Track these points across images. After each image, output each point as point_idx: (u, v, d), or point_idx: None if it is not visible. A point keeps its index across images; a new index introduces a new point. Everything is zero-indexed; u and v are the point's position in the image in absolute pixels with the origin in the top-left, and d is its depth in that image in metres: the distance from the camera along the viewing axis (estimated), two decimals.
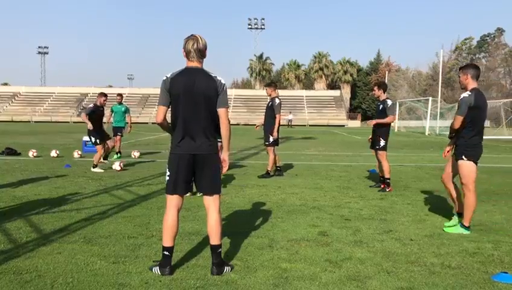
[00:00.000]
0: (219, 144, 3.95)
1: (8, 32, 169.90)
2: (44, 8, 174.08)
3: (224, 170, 4.03)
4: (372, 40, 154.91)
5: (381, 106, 8.22)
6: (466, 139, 5.23)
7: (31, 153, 13.17)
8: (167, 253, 3.83)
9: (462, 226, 5.25)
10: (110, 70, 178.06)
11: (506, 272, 3.83)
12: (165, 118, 3.82)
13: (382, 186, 8.28)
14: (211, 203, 3.93)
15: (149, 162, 12.40)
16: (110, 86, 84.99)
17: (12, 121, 61.21)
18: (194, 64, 3.80)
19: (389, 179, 8.17)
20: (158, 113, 3.81)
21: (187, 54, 3.80)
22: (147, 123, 56.26)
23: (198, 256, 4.27)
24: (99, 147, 10.37)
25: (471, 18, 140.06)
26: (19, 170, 10.24)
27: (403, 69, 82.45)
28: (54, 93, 73.43)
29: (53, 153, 13.20)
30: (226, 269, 3.88)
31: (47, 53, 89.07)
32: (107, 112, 12.13)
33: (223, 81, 3.85)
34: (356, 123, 69.33)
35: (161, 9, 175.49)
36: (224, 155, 3.97)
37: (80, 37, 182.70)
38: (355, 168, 11.55)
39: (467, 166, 5.23)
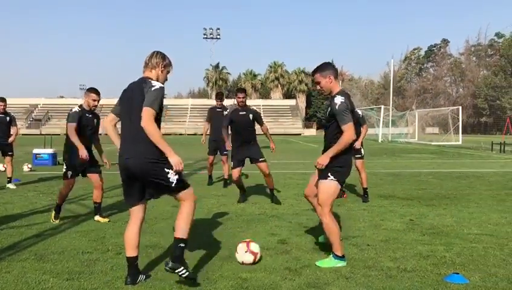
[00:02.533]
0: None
1: None
2: None
3: None
4: (326, 49, 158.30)
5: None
6: (337, 156, 4.33)
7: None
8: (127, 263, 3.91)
9: (335, 256, 4.33)
10: (61, 81, 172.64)
11: (458, 273, 3.98)
12: (110, 126, 4.17)
13: (344, 196, 8.27)
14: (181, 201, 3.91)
15: (103, 174, 12.03)
16: (62, 97, 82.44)
17: None
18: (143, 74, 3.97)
19: (366, 188, 8.14)
20: (105, 121, 4.20)
21: (146, 65, 3.99)
22: (100, 134, 54.80)
23: (156, 269, 4.18)
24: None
25: (419, 29, 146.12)
26: None
27: (356, 78, 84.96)
28: None
29: (0, 167, 12.60)
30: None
31: None
32: (60, 122, 11.53)
33: (153, 83, 3.75)
34: (312, 132, 70.45)
35: (113, 18, 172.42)
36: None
37: (27, 46, 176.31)
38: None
39: (330, 186, 4.37)
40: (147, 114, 3.58)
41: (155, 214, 6.72)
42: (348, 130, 4.22)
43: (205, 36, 78.30)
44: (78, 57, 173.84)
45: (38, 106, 71.34)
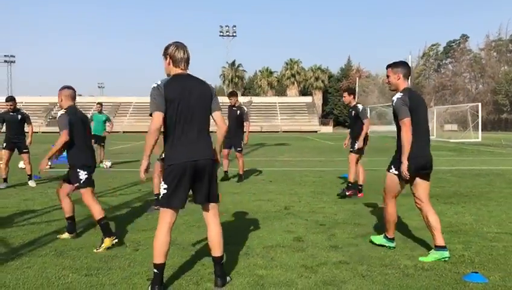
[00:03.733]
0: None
1: None
2: (10, 16, 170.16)
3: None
4: (343, 46, 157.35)
5: (353, 112, 8.29)
6: (399, 150, 4.53)
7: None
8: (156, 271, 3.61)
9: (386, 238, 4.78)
10: (80, 79, 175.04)
11: (477, 272, 3.93)
12: (161, 126, 3.57)
13: (358, 193, 8.25)
14: (212, 214, 3.82)
15: (121, 172, 12.20)
16: (80, 95, 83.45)
17: None
18: (183, 71, 3.72)
19: (351, 183, 8.13)
20: (154, 120, 3.52)
21: (175, 62, 3.69)
22: (119, 132, 55.42)
23: (173, 266, 4.22)
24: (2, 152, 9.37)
25: (437, 24, 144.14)
26: None
27: (373, 75, 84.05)
28: (22, 102, 71.50)
29: (21, 164, 12.82)
30: (228, 279, 3.81)
31: (13, 62, 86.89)
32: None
33: (212, 86, 3.85)
34: (328, 129, 70.10)
35: (131, 17, 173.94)
36: (216, 158, 3.87)
37: (47, 45, 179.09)
38: (329, 174, 11.66)
39: (392, 178, 4.62)
40: (222, 117, 3.81)
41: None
42: (403, 126, 4.35)
43: (221, 34, 78.42)
44: (96, 55, 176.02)
45: (57, 104, 72.37)
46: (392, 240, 4.79)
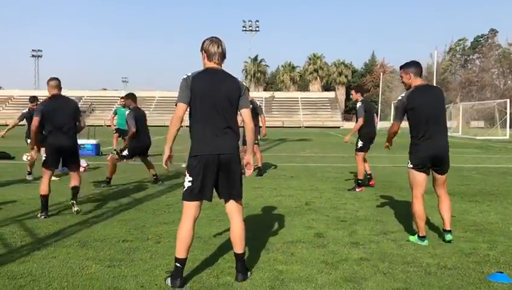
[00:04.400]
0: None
1: (0, 35, 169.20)
2: (38, 11, 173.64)
3: (249, 172, 3.98)
4: (367, 41, 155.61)
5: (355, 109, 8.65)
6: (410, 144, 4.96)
7: (25, 157, 13.06)
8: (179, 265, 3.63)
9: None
10: (104, 74, 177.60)
11: (502, 272, 3.84)
12: (183, 117, 3.60)
13: (372, 183, 8.66)
14: (235, 210, 3.83)
15: (143, 165, 12.33)
16: (105, 89, 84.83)
17: (6, 125, 60.83)
18: (216, 66, 3.74)
19: (361, 180, 8.34)
20: (177, 110, 3.57)
21: (209, 56, 3.71)
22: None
23: (194, 259, 4.25)
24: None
25: (465, 19, 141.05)
26: (13, 173, 10.18)
27: (398, 71, 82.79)
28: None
29: (25, 157, 13.10)
30: (249, 274, 3.82)
31: (41, 56, 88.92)
32: (102, 114, 11.94)
33: (244, 83, 3.86)
34: (351, 125, 69.23)
35: (155, 12, 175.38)
36: (248, 157, 3.89)
37: (73, 40, 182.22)
38: (351, 170, 11.56)
39: (410, 173, 4.90)
40: (250, 115, 3.82)
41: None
42: (392, 125, 5.06)
43: (244, 28, 78.46)
44: (121, 50, 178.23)
45: (83, 98, 73.66)
46: (423, 238, 4.83)
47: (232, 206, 3.83)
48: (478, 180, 9.80)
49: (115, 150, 13.73)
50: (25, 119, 9.98)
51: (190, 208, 3.67)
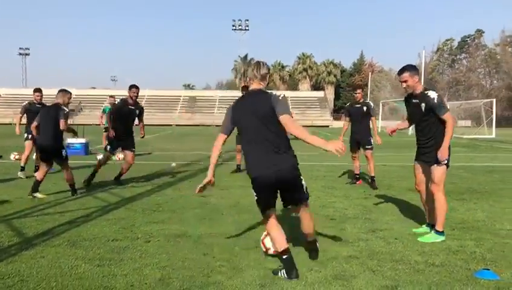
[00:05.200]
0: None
1: None
2: (25, 9, 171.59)
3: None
4: (356, 41, 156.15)
5: (365, 108, 8.56)
6: (438, 141, 4.89)
7: (13, 156, 12.96)
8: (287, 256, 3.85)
9: (437, 232, 4.96)
10: (93, 72, 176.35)
11: (489, 269, 3.90)
12: (221, 145, 4.06)
13: (359, 182, 8.86)
14: (301, 212, 4.20)
15: (133, 164, 12.26)
16: (93, 88, 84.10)
17: None
18: (254, 87, 3.96)
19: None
20: (216, 139, 4.04)
21: (248, 78, 4.03)
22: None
23: (184, 258, 4.26)
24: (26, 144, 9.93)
25: (452, 19, 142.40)
26: (0, 173, 10.06)
27: (386, 70, 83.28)
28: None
29: (34, 156, 12.99)
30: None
31: (28, 54, 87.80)
32: (91, 112, 11.92)
33: (276, 94, 3.94)
34: (340, 124, 69.61)
35: (144, 10, 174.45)
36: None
37: (61, 38, 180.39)
38: (340, 168, 11.62)
39: (443, 168, 4.92)
40: (290, 119, 3.80)
41: (183, 203, 6.82)
42: (450, 118, 4.82)
43: (234, 28, 78.40)
44: (110, 49, 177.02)
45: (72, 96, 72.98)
46: (443, 233, 4.97)
47: (299, 210, 4.26)
48: (465, 178, 9.92)
49: (104, 148, 13.62)
50: (25, 114, 9.82)
51: (265, 216, 4.10)
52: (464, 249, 4.61)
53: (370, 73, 65.60)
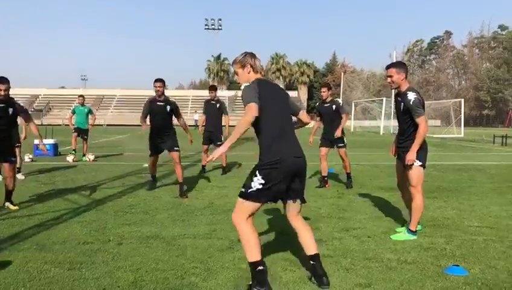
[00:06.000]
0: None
1: None
2: None
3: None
4: (328, 41, 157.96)
5: (334, 106, 8.41)
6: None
7: None
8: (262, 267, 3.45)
9: (409, 231, 5.01)
10: (62, 71, 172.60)
11: (458, 265, 3.99)
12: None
13: (327, 185, 8.59)
14: (298, 213, 3.90)
15: (104, 165, 12.08)
16: (63, 87, 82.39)
17: None
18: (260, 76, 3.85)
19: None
20: (253, 110, 3.47)
21: (256, 69, 3.83)
22: (102, 125, 54.83)
23: (157, 260, 4.20)
24: None
25: (422, 21, 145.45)
26: None
27: (358, 70, 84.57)
28: None
29: None
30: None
31: None
32: (61, 112, 11.66)
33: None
34: (312, 124, 70.25)
35: (115, 7, 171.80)
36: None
37: (29, 35, 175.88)
38: (312, 168, 11.70)
39: (418, 169, 4.96)
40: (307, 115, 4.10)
41: (156, 205, 6.74)
42: (423, 122, 4.82)
43: (207, 27, 77.89)
44: (79, 47, 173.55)
45: (40, 96, 71.35)
46: (415, 233, 5.01)
47: (297, 209, 3.99)
48: (435, 177, 10.14)
49: (74, 149, 13.36)
50: None
51: (255, 208, 3.68)
52: (435, 246, 4.70)
53: (343, 73, 66.38)
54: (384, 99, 41.41)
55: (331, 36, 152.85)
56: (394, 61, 5.29)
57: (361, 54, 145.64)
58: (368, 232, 5.26)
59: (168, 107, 7.75)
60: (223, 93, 71.73)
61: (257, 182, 3.49)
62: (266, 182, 3.48)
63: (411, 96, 4.85)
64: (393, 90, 5.32)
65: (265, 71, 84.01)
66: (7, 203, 6.40)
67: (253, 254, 3.46)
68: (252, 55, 3.88)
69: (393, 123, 41.32)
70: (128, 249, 4.50)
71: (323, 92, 8.49)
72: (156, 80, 7.69)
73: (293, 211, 3.85)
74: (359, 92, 71.23)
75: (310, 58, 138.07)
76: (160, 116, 7.68)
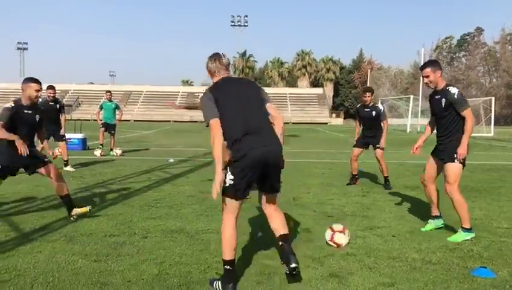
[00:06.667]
0: None
1: None
2: (23, 3, 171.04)
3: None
4: (355, 38, 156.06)
5: (374, 113, 8.38)
6: (457, 139, 4.87)
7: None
8: (229, 267, 3.51)
9: (465, 230, 4.92)
10: (91, 67, 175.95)
11: (485, 267, 3.91)
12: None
13: (356, 183, 8.61)
14: (275, 204, 3.91)
15: (131, 160, 12.29)
16: (92, 83, 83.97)
17: None
18: (225, 75, 3.79)
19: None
20: (215, 127, 3.47)
21: (213, 71, 3.77)
22: (129, 121, 55.72)
23: (181, 254, 4.25)
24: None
25: (451, 18, 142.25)
26: None
27: (385, 68, 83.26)
28: None
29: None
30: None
31: (26, 49, 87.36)
32: (89, 108, 11.99)
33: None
34: (339, 121, 69.80)
35: (143, 5, 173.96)
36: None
37: (60, 33, 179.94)
38: (338, 166, 11.63)
39: (458, 167, 4.96)
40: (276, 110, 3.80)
41: (181, 199, 6.82)
42: (470, 114, 4.81)
43: (233, 23, 78.10)
44: (108, 43, 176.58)
45: (69, 91, 72.86)
46: (471, 230, 4.93)
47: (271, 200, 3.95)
48: (464, 176, 9.83)
49: (101, 144, 13.63)
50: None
51: (236, 206, 3.70)
52: (461, 247, 4.61)
53: (369, 70, 65.58)
54: (411, 97, 40.70)
55: (358, 32, 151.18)
56: (422, 59, 5.20)
57: (388, 51, 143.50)
58: (392, 231, 5.20)
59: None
60: None
61: (228, 178, 3.53)
62: (234, 177, 3.52)
63: (454, 90, 4.85)
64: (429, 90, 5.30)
65: (291, 67, 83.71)
66: (74, 212, 5.50)
67: (226, 253, 3.53)
68: (211, 57, 3.80)
69: (421, 122, 40.61)
70: (153, 243, 4.58)
71: (368, 96, 8.46)
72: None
73: (268, 200, 3.86)
74: (386, 89, 70.23)
75: (336, 54, 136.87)
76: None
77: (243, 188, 3.57)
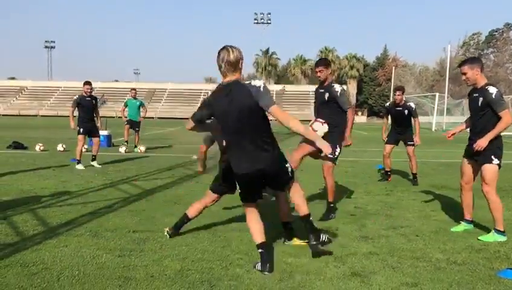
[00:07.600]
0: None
1: (14, 26, 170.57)
2: (51, 2, 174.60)
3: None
4: (379, 35, 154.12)
5: (406, 111, 8.45)
6: (496, 139, 4.81)
7: (38, 147, 13.25)
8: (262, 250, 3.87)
9: (498, 232, 4.85)
10: (116, 65, 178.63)
11: None
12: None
13: (389, 179, 8.69)
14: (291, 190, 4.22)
15: (155, 157, 12.44)
16: (116, 81, 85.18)
17: (19, 115, 61.59)
18: (228, 78, 3.75)
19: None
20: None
21: (219, 69, 3.78)
22: (153, 118, 56.36)
23: (203, 250, 4.29)
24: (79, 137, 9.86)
25: (479, 13, 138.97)
26: (26, 163, 10.30)
27: (410, 65, 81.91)
28: (61, 87, 73.67)
29: (59, 147, 13.27)
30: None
31: (53, 47, 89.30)
32: (114, 105, 12.22)
33: (257, 84, 3.68)
34: (362, 118, 69.06)
35: (167, 3, 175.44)
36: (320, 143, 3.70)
37: (86, 32, 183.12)
38: (361, 164, 11.53)
39: (494, 168, 4.86)
40: (278, 110, 3.63)
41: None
42: (507, 115, 4.68)
43: (256, 21, 78.15)
44: (133, 42, 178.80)
45: (95, 89, 74.13)
46: (504, 233, 4.83)
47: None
48: None
49: (126, 141, 13.83)
50: (76, 108, 10.07)
51: (246, 207, 4.17)
52: (487, 247, 4.52)
53: (394, 67, 64.68)
54: (437, 94, 39.97)
55: (382, 29, 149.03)
56: (449, 56, 5.08)
57: (413, 48, 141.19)
58: (416, 230, 5.12)
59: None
60: (271, 88, 71.74)
61: (237, 188, 4.03)
62: (240, 187, 4.00)
63: (492, 90, 4.73)
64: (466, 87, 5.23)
65: (314, 65, 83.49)
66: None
67: (255, 237, 3.97)
68: (219, 51, 3.77)
69: (446, 120, 39.88)
70: (175, 239, 4.62)
71: (398, 95, 8.49)
72: None
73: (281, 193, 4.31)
74: (411, 86, 69.08)
75: (360, 52, 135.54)
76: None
77: (249, 197, 3.99)
